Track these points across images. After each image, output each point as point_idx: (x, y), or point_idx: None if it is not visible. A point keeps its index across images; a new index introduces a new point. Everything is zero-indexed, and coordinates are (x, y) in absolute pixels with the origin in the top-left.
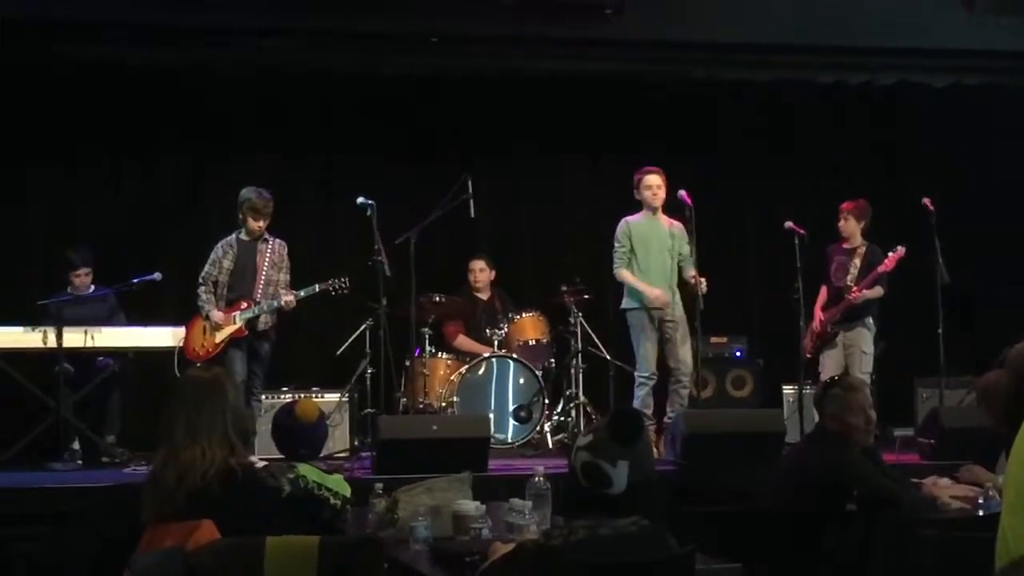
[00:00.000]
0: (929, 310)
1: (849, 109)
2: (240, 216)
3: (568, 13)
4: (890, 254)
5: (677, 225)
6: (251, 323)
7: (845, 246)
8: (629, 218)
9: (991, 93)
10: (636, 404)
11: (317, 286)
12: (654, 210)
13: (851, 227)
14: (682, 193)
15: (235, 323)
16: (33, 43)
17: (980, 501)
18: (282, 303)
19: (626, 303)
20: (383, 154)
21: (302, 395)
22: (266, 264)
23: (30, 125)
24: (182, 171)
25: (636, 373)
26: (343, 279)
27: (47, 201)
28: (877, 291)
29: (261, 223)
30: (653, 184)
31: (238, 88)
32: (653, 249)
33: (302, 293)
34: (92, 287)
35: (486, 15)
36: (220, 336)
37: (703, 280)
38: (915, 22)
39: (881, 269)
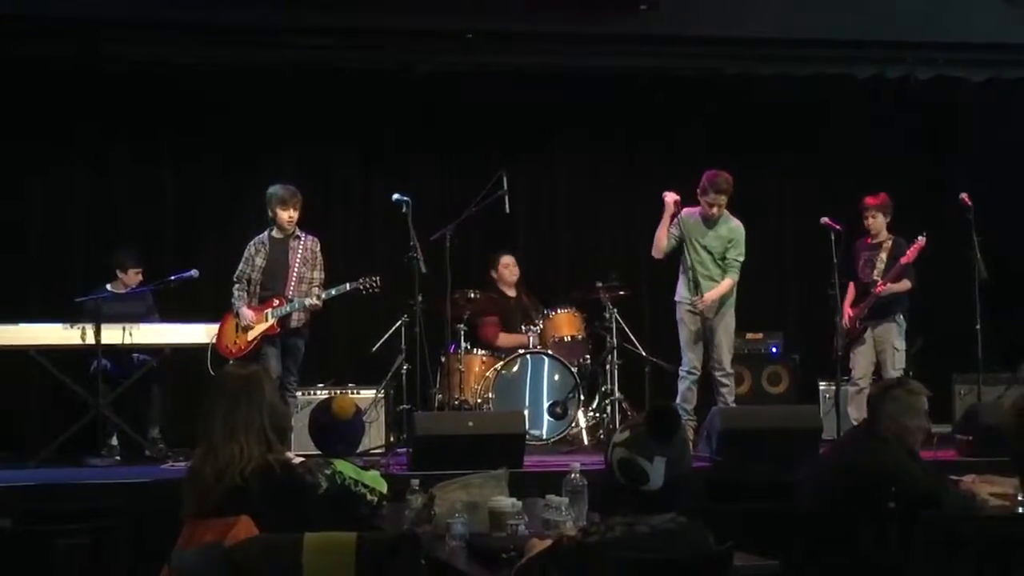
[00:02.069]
0: (967, 305)
1: (887, 104)
2: (270, 213)
3: (603, 9)
4: (911, 245)
5: (733, 225)
6: (283, 320)
7: (871, 241)
8: (688, 209)
9: None
10: (677, 399)
11: (348, 285)
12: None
13: (879, 223)
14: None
15: (267, 320)
16: (73, 43)
17: (1020, 498)
18: (307, 305)
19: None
20: (419, 151)
21: (338, 391)
22: (298, 261)
23: (69, 123)
24: (219, 169)
25: (679, 367)
26: (374, 278)
27: (86, 200)
28: (904, 284)
29: (290, 212)
30: (717, 203)
31: (274, 86)
32: (697, 244)
33: (333, 292)
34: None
35: (521, 10)
36: (252, 334)
37: (705, 299)
38: (953, 16)
39: (903, 261)
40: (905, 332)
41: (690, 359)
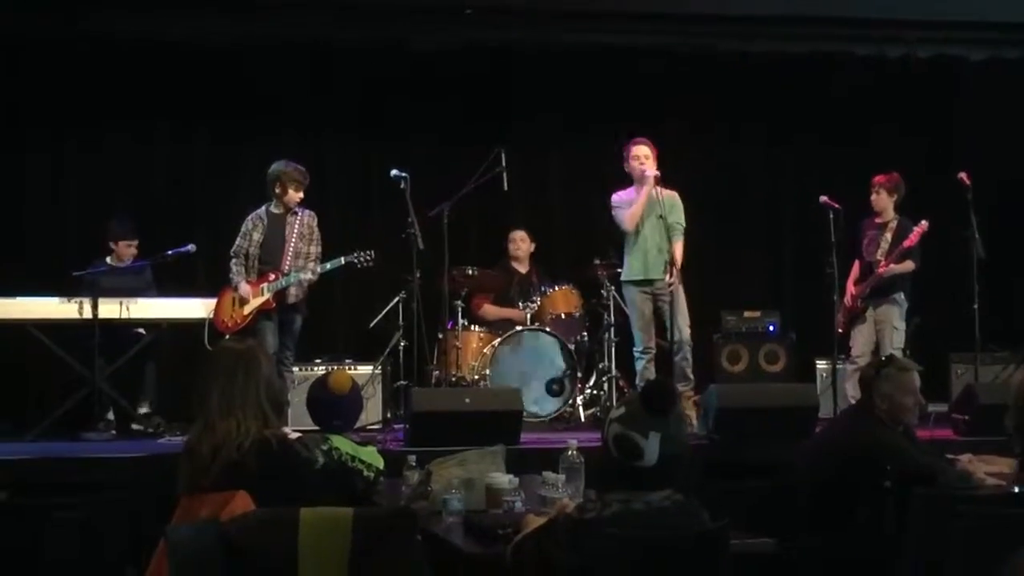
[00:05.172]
0: (964, 285)
1: (887, 82)
2: (277, 189)
3: None
4: (914, 228)
5: (668, 193)
6: (280, 295)
7: (878, 220)
8: (620, 192)
9: None
10: (636, 379)
11: (343, 259)
12: (643, 181)
13: (883, 201)
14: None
15: (263, 295)
16: (67, 17)
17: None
18: (303, 279)
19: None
20: (417, 127)
21: (335, 367)
22: (295, 236)
23: (65, 99)
24: (216, 144)
25: (633, 348)
26: (368, 252)
27: (82, 174)
28: (907, 266)
29: (301, 195)
30: (640, 154)
31: (272, 61)
32: (644, 221)
33: (328, 266)
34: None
35: None
36: (248, 308)
37: (675, 271)
38: None
39: (906, 244)
40: (906, 312)
41: (643, 339)
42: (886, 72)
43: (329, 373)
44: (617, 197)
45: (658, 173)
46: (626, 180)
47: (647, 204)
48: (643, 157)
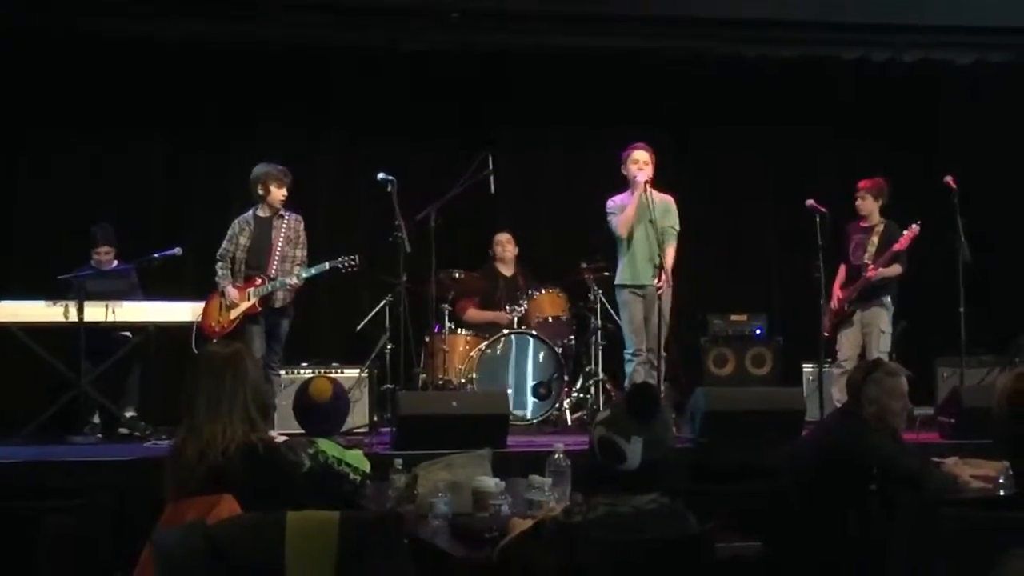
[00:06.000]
0: (950, 289)
1: (872, 86)
2: (260, 191)
3: None
4: (904, 232)
5: (661, 198)
6: (266, 299)
7: (863, 224)
8: (616, 197)
9: (1016, 70)
10: (625, 383)
11: (327, 264)
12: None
13: (869, 205)
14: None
15: (249, 299)
16: (58, 17)
17: (1001, 480)
18: (287, 284)
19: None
20: (404, 130)
21: (321, 371)
22: (281, 240)
23: (54, 100)
24: (204, 146)
25: (624, 351)
26: (352, 256)
27: (70, 176)
28: (895, 269)
29: (284, 191)
30: (640, 160)
31: (261, 64)
32: (636, 227)
33: (313, 271)
34: (115, 263)
35: None
36: (235, 313)
37: (664, 276)
38: None
39: (896, 247)
40: (893, 315)
41: (635, 342)
42: (872, 76)
43: (311, 379)
44: (612, 202)
45: (648, 178)
46: (620, 184)
47: (639, 209)
48: (642, 162)
